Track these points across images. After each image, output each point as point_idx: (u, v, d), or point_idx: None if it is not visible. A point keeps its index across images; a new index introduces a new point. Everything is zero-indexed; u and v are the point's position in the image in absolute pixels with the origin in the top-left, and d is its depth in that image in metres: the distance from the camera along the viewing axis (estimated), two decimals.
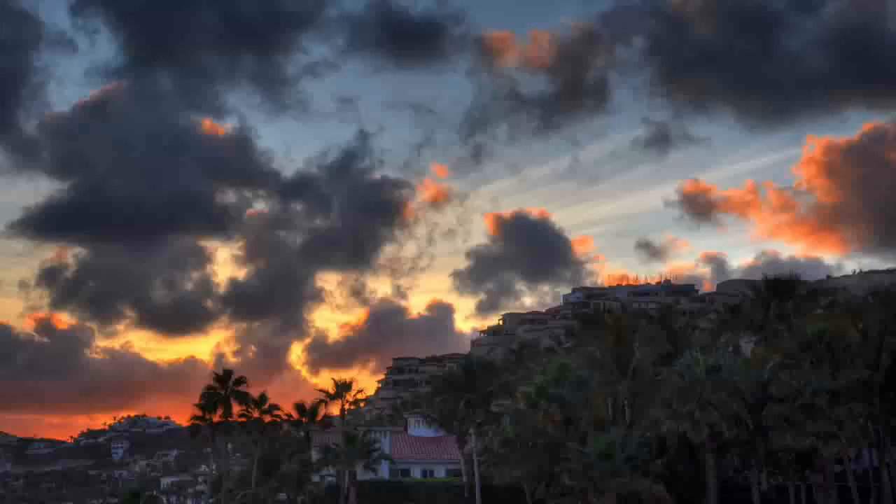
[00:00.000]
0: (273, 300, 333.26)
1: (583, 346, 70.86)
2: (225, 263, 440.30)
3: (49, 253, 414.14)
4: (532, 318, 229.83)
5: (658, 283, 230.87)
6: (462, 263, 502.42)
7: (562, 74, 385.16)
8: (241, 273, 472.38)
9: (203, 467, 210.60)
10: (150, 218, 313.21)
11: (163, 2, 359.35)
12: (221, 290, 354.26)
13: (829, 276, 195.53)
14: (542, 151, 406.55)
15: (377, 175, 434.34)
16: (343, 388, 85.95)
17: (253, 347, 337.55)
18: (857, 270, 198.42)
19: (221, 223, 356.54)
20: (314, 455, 77.04)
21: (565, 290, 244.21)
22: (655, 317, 79.90)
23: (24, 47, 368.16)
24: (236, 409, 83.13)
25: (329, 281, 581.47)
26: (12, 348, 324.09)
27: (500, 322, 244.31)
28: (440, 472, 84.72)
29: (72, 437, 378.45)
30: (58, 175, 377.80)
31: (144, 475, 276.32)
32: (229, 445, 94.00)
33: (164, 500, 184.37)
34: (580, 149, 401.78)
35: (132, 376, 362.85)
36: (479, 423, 76.04)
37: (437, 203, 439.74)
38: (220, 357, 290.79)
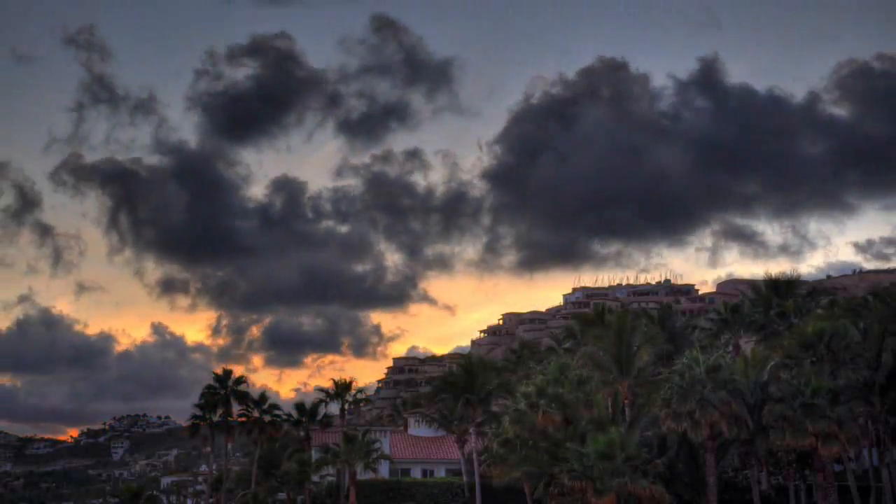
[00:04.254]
0: None
1: (583, 346, 70.87)
2: None
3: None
4: (532, 318, 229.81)
5: (658, 283, 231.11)
6: None
7: None
8: None
9: (203, 467, 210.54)
10: None
11: None
12: None
13: (829, 276, 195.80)
14: None
15: None
16: (343, 388, 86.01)
17: None
18: (858, 270, 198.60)
19: None
20: (314, 455, 77.05)
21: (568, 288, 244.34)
22: (655, 317, 79.92)
23: None
24: (236, 408, 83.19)
25: None
26: None
27: (500, 322, 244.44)
28: (440, 472, 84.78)
29: (72, 436, 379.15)
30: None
31: (144, 475, 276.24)
32: (229, 445, 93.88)
33: (164, 499, 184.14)
34: None
35: None
36: (479, 423, 76.11)
37: None
38: None
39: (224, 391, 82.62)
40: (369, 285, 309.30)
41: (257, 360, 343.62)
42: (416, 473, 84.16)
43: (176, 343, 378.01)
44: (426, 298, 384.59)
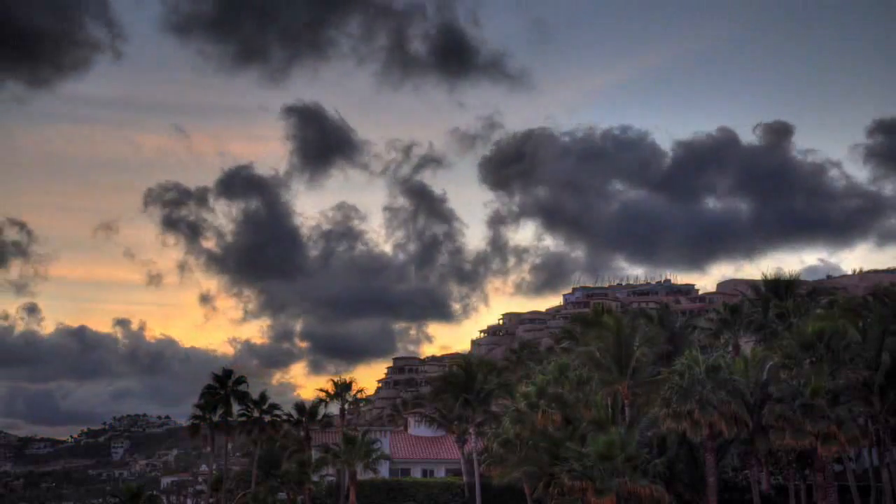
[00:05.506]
0: None
1: (582, 346, 70.86)
2: None
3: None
4: (532, 318, 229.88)
5: (658, 283, 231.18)
6: None
7: None
8: None
9: (203, 467, 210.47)
10: None
11: None
12: None
13: (829, 276, 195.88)
14: None
15: None
16: (343, 388, 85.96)
17: None
18: (858, 270, 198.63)
19: None
20: (314, 455, 77.09)
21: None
22: (655, 317, 79.89)
23: None
24: (236, 408, 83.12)
25: None
26: None
27: (500, 322, 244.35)
28: (440, 472, 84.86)
29: (72, 436, 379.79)
30: None
31: (144, 475, 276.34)
32: (229, 445, 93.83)
33: (164, 499, 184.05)
34: None
35: None
36: (479, 423, 76.17)
37: None
38: None
39: (224, 391, 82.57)
40: (422, 299, 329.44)
41: (309, 367, 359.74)
42: (416, 473, 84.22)
43: (238, 350, 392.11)
44: (476, 311, 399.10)
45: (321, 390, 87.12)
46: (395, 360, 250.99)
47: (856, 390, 57.64)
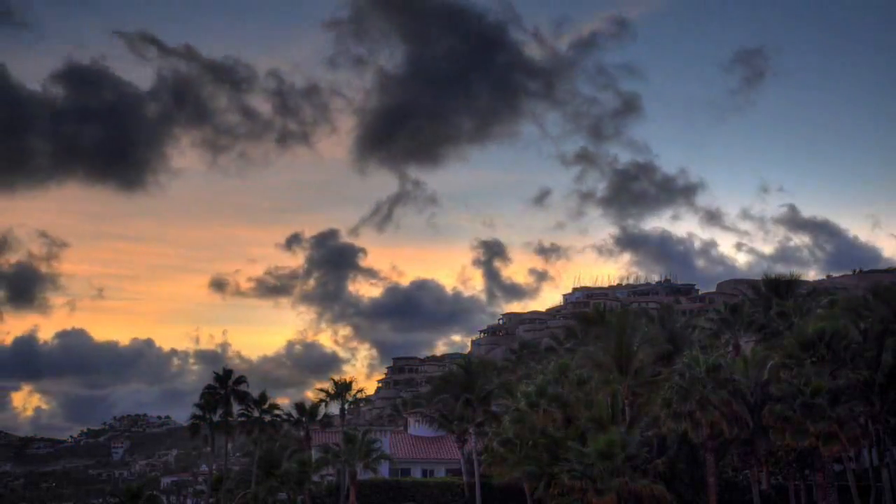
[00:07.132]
0: None
1: (583, 346, 70.87)
2: None
3: None
4: (532, 318, 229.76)
5: (658, 283, 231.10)
6: None
7: None
8: None
9: (203, 467, 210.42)
10: None
11: None
12: None
13: (829, 276, 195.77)
14: None
15: None
16: (343, 387, 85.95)
17: None
18: (857, 270, 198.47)
19: None
20: (314, 455, 77.05)
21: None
22: (655, 316, 79.88)
23: None
24: (236, 408, 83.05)
25: None
26: None
27: (500, 322, 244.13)
28: (440, 472, 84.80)
29: (72, 436, 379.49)
30: None
31: (144, 475, 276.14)
32: (229, 445, 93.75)
33: (164, 499, 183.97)
34: None
35: None
36: (479, 423, 76.13)
37: None
38: None
39: (224, 391, 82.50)
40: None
41: (369, 370, 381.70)
42: (416, 473, 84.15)
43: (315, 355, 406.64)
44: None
45: (321, 390, 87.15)
46: (395, 360, 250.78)
47: (856, 390, 57.62)
